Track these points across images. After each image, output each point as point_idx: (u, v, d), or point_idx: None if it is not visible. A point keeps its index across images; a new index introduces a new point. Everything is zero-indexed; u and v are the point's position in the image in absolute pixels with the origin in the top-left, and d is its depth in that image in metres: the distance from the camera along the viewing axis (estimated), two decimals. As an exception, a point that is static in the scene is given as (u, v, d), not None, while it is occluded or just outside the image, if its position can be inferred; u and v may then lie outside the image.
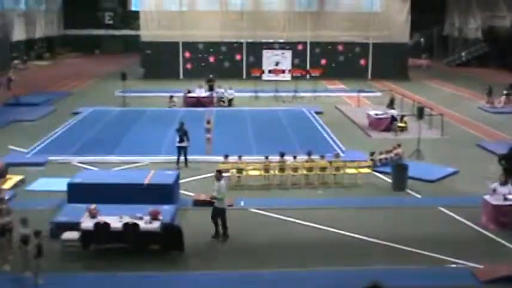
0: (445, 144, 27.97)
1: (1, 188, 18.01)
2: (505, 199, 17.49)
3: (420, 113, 26.95)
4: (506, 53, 57.68)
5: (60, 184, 19.70)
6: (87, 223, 15.39)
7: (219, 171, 16.79)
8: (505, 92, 38.19)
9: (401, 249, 15.96)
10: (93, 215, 15.65)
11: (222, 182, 16.52)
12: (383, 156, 23.53)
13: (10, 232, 14.71)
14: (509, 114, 35.65)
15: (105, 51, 74.42)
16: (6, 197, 17.09)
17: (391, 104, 33.15)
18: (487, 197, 17.85)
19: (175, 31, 50.22)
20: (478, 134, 30.27)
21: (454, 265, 15.02)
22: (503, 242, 16.47)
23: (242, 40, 50.85)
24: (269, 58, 50.29)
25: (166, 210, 16.54)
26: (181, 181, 20.27)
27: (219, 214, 16.40)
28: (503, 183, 17.93)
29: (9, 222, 14.73)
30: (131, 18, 70.78)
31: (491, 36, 61.60)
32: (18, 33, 61.42)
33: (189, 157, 23.56)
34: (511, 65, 55.37)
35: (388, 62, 50.34)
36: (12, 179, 21.04)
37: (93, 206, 15.92)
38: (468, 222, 17.83)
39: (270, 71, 46.22)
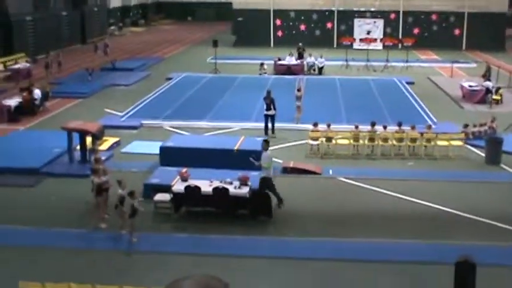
0: (543, 118, 26.86)
1: (98, 149, 18.78)
2: None
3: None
4: None
5: (153, 147, 20.34)
6: (179, 186, 15.83)
7: (266, 141, 16.70)
8: None
9: (493, 225, 15.56)
10: (184, 179, 16.07)
11: (268, 152, 16.39)
12: (476, 129, 22.88)
13: (107, 192, 15.34)
14: None
15: (197, 19, 75.34)
16: (103, 158, 17.79)
17: (487, 75, 31.99)
18: None
19: (267, -1, 50.22)
20: None
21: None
22: None
23: (333, 8, 50.22)
24: (360, 27, 49.50)
25: (255, 176, 16.76)
26: (270, 148, 20.41)
27: (265, 183, 16.23)
28: None
29: (106, 182, 15.35)
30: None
31: None
32: (115, 1, 63.06)
33: (279, 125, 23.69)
34: None
35: (484, 32, 48.50)
36: (108, 141, 21.85)
37: (184, 169, 16.35)
38: None
39: (361, 40, 45.52)
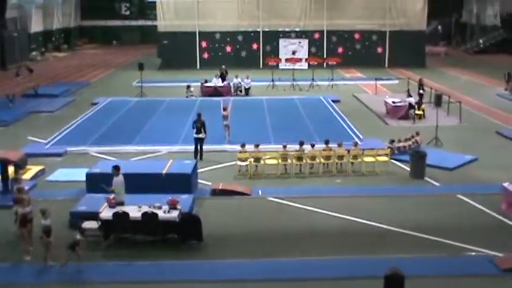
0: (463, 131, 27.78)
1: (21, 178, 18.21)
2: (525, 186, 17.38)
3: (438, 101, 26.75)
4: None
5: (79, 174, 19.86)
6: (106, 213, 15.50)
7: (116, 167, 16.29)
8: (523, 78, 37.83)
9: (420, 238, 15.90)
10: (112, 205, 15.75)
11: (120, 177, 16.11)
12: (401, 144, 23.43)
13: (31, 222, 14.84)
14: (529, 101, 35.33)
15: (122, 42, 74.64)
16: (27, 188, 17.25)
17: (421, 88, 32.86)
18: (506, 184, 17.73)
19: (192, 21, 50.20)
20: (496, 121, 30.03)
21: (473, 253, 14.94)
22: (523, 229, 16.39)
23: (259, 29, 50.73)
24: (286, 47, 50.17)
25: (184, 200, 16.60)
26: (199, 170, 20.33)
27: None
28: (523, 171, 17.81)
29: (30, 212, 14.87)
30: (148, 9, 70.96)
31: (510, 22, 60.98)
32: (36, 25, 61.77)
33: (208, 146, 23.60)
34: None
35: (405, 50, 50.00)
36: (32, 170, 21.22)
37: (111, 196, 16.03)
38: (487, 210, 17.74)
39: (286, 60, 46.08)
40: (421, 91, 32.36)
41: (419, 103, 30.06)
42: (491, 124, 29.24)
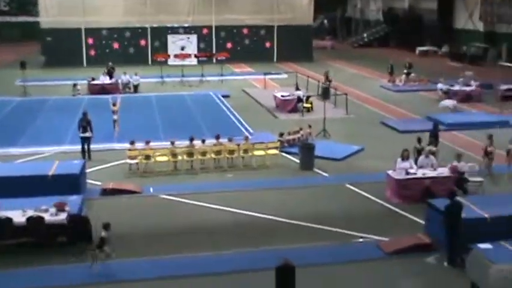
0: (350, 123, 28.65)
1: None
2: (407, 173, 18.12)
3: (325, 93, 27.45)
4: (406, 33, 59.54)
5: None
6: (-13, 219, 14.77)
7: None
8: (405, 70, 39.49)
9: (310, 228, 16.26)
10: (-6, 210, 15.05)
11: None
12: (290, 137, 23.85)
13: None
14: (410, 92, 36.92)
15: (1, 39, 71.39)
16: None
17: (327, 80, 33.50)
18: (390, 172, 18.44)
19: (77, 17, 48.69)
20: (381, 111, 31.17)
21: (361, 240, 15.46)
22: (406, 214, 17.09)
23: (146, 25, 50.03)
24: (174, 43, 49.81)
25: (73, 201, 16.11)
26: (88, 170, 19.83)
27: None
28: (405, 159, 18.56)
29: None
30: (29, 4, 68.19)
31: (391, 17, 63.55)
32: None
33: (96, 145, 23.08)
34: (410, 44, 57.20)
35: (293, 44, 50.92)
36: None
37: (-6, 200, 15.32)
38: (374, 198, 18.40)
39: (175, 56, 45.75)
40: (327, 83, 33.12)
41: (326, 94, 30.43)
42: (376, 115, 30.31)
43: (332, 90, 29.94)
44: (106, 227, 14.01)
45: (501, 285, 2.11)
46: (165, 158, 21.25)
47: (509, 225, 14.55)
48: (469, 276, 2.31)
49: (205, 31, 50.93)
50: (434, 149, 20.35)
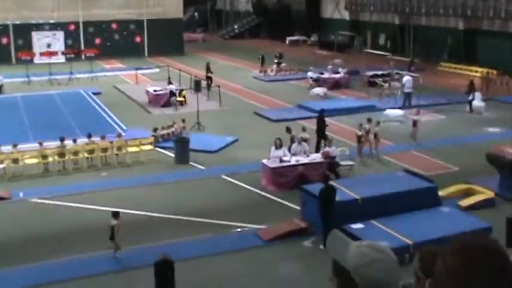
0: (224, 114, 28.79)
1: None
2: (281, 161, 18.47)
3: (197, 86, 27.43)
4: (275, 23, 60.69)
5: None
6: None
7: None
8: (275, 60, 40.22)
9: (190, 221, 16.23)
10: None
11: None
12: (164, 131, 23.63)
13: None
14: (281, 81, 37.67)
15: None
16: None
17: (209, 71, 33.68)
18: (265, 161, 18.72)
19: None
20: (254, 102, 31.55)
21: (239, 229, 15.59)
22: (282, 201, 17.44)
23: (8, 22, 47.74)
24: (40, 40, 47.89)
25: None
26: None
27: None
28: (279, 147, 18.90)
29: None
30: None
31: (261, 8, 64.53)
32: None
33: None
34: (280, 35, 58.34)
35: (163, 38, 50.45)
36: None
37: None
38: (250, 187, 18.61)
39: (41, 54, 44.02)
40: (209, 74, 33.89)
41: (208, 85, 30.35)
42: (249, 105, 30.64)
43: (204, 83, 29.91)
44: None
45: (358, 260, 2.20)
46: (34, 161, 20.41)
47: (379, 205, 15.23)
48: (331, 255, 2.39)
49: (72, 27, 49.34)
50: (307, 135, 20.82)
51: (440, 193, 16.65)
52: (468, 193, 17.30)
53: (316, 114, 23.41)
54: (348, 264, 2.49)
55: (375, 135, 21.71)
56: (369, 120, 22.08)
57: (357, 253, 2.50)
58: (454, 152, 21.81)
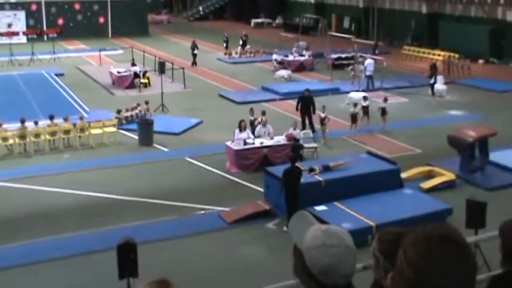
0: (188, 96, 28.66)
1: None
2: (245, 143, 18.48)
3: (161, 68, 27.22)
4: (240, 5, 60.41)
5: None
6: None
7: None
8: (240, 42, 40.11)
9: (153, 204, 16.16)
10: None
11: None
12: (128, 113, 23.44)
13: None
14: (246, 63, 37.60)
15: None
16: None
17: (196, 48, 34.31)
18: (228, 143, 18.71)
19: None
20: (218, 84, 31.44)
21: (203, 212, 15.60)
22: (246, 183, 17.47)
23: (-34, 1, 46.74)
24: (0, 20, 46.89)
25: None
26: None
27: None
28: (243, 129, 18.91)
29: None
30: None
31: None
32: None
33: None
34: (245, 17, 58.12)
35: (128, 19, 49.85)
36: None
37: None
38: (214, 169, 18.59)
39: (1, 34, 43.11)
40: (195, 51, 35.15)
41: (194, 63, 29.89)
42: (213, 87, 30.53)
43: (168, 65, 29.68)
44: None
45: (309, 242, 2.22)
46: (-5, 143, 20.08)
47: (342, 186, 15.38)
48: (289, 234, 2.42)
49: (34, 7, 48.39)
50: (264, 118, 20.35)
51: (403, 175, 16.87)
52: (430, 175, 17.55)
53: (300, 95, 23.05)
54: (301, 246, 2.53)
55: (383, 111, 22.35)
56: (365, 98, 22.53)
57: (310, 236, 2.54)
58: (416, 135, 22.09)
